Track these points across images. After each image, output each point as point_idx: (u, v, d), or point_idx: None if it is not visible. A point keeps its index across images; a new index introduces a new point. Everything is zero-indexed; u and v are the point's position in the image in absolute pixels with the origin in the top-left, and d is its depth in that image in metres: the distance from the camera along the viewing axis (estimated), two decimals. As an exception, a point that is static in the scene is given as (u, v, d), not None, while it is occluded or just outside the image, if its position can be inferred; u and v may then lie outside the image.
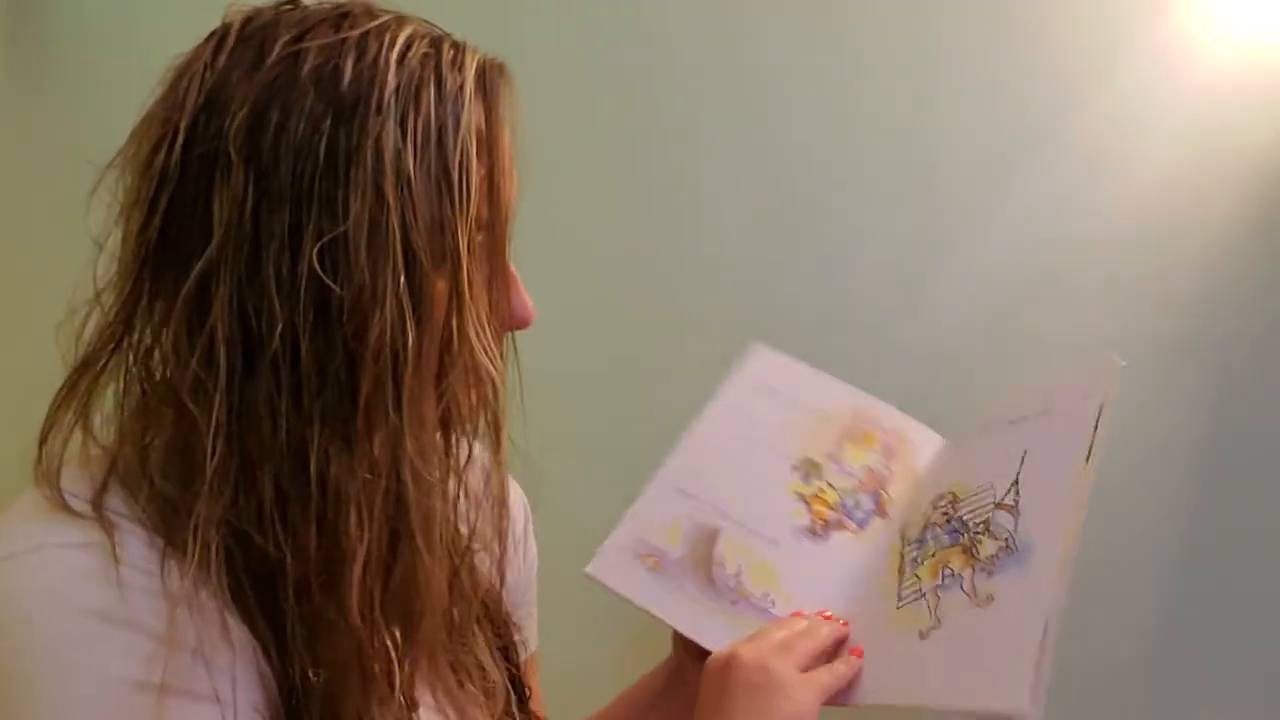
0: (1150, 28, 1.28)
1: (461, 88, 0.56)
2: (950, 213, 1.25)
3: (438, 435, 0.58)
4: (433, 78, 0.56)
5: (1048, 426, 0.72)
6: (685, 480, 0.82)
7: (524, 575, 0.81)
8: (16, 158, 1.20)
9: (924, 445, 0.84)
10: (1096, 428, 0.68)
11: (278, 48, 0.54)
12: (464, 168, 0.55)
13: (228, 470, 0.52)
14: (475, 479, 0.63)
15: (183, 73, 0.55)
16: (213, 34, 0.56)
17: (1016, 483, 0.70)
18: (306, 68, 0.53)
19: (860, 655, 0.70)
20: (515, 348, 0.64)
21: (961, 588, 0.69)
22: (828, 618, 0.74)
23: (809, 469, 0.82)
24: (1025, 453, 0.71)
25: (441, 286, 0.55)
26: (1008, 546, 0.67)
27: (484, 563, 0.69)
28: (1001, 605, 0.65)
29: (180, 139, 0.53)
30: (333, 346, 0.52)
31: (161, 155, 0.53)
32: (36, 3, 1.14)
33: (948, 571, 0.71)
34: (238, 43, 0.55)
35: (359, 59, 0.54)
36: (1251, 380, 1.27)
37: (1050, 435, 0.71)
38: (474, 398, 0.58)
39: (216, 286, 0.52)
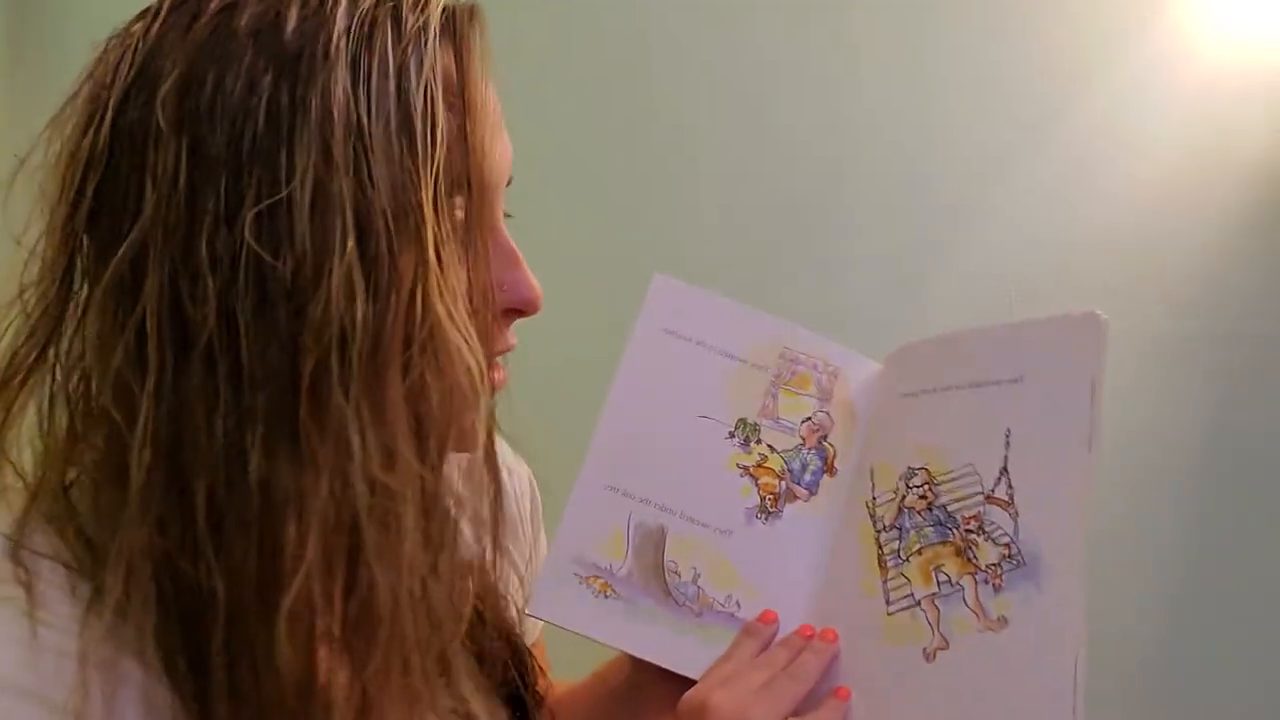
0: (1148, 28, 1.28)
1: (424, 27, 0.50)
2: (949, 213, 1.25)
3: (410, 435, 0.49)
4: (389, 18, 0.49)
5: (1026, 399, 0.63)
6: (615, 474, 0.72)
7: (535, 567, 0.76)
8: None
9: (855, 375, 0.74)
10: (1093, 404, 0.60)
11: (212, 5, 0.48)
12: (428, 117, 0.48)
13: (155, 486, 0.46)
14: (462, 484, 0.57)
15: (112, 48, 0.50)
16: (146, 9, 0.51)
17: (1006, 471, 0.63)
18: (243, 20, 0.47)
19: (847, 697, 0.65)
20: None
21: (964, 601, 0.62)
22: (809, 634, 0.67)
23: (747, 433, 0.73)
24: (1009, 432, 0.64)
25: (407, 258, 0.48)
26: (1011, 555, 0.61)
27: (499, 583, 0.63)
28: (1019, 630, 0.60)
29: (109, 116, 0.48)
30: (275, 329, 0.46)
31: (89, 137, 0.48)
32: (36, 3, 1.11)
33: (943, 577, 0.64)
34: (170, 9, 0.49)
35: (304, 3, 0.48)
36: (1251, 380, 1.29)
37: (1033, 411, 0.63)
38: (446, 388, 0.49)
39: (146, 272, 0.46)
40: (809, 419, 0.74)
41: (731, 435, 0.73)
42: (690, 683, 0.67)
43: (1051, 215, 1.22)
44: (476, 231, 0.52)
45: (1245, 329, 1.24)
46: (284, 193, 0.45)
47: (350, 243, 0.46)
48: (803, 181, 1.25)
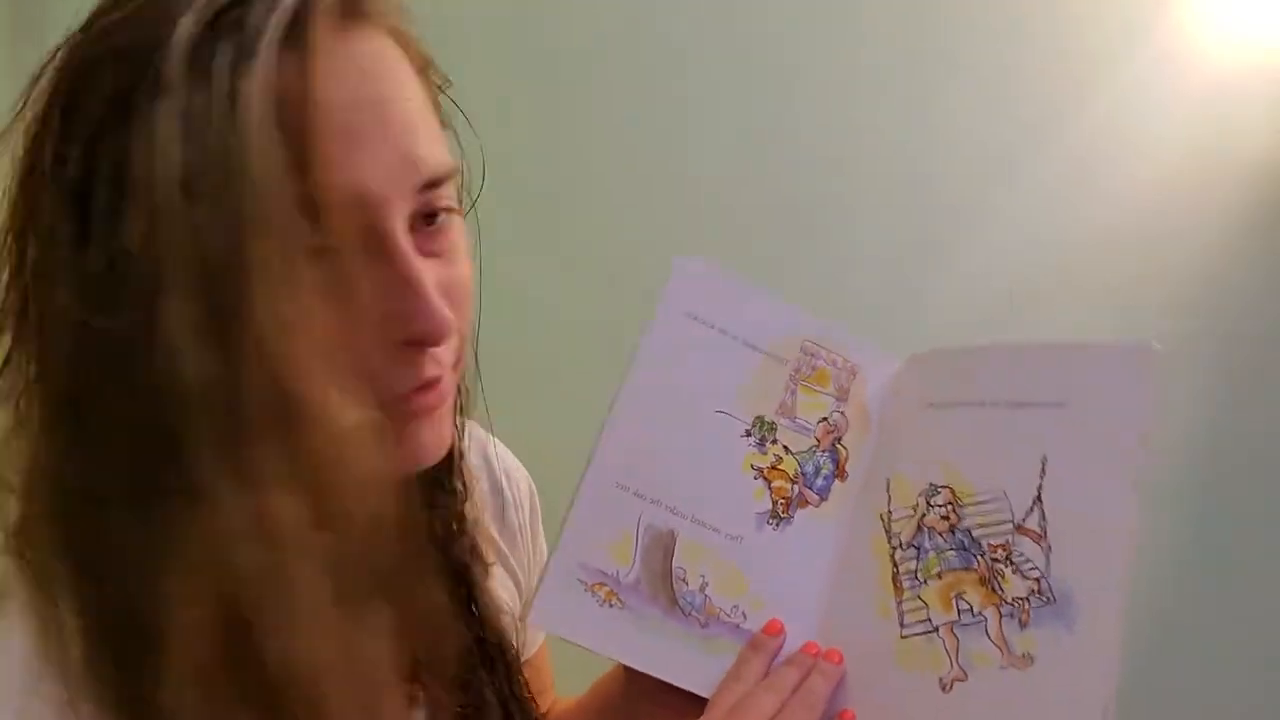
0: (1150, 29, 1.27)
1: (258, 36, 0.44)
2: (951, 213, 1.23)
3: (295, 494, 0.45)
4: (231, 27, 0.44)
5: (1068, 427, 0.60)
6: (627, 471, 0.67)
7: (533, 574, 0.73)
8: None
9: (873, 374, 0.71)
10: (1140, 448, 0.57)
11: (86, 27, 0.47)
12: (260, 149, 0.43)
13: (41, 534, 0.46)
14: None
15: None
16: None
17: (1039, 501, 0.60)
18: (107, 44, 0.45)
19: (852, 719, 0.62)
20: (476, 339, 0.57)
21: (987, 633, 0.59)
22: (814, 652, 0.64)
23: (763, 432, 0.69)
24: (1045, 460, 0.61)
25: (249, 308, 0.43)
26: (1040, 592, 0.58)
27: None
28: (1045, 671, 0.57)
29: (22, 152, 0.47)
30: (119, 392, 0.44)
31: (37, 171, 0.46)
32: (36, 2, 1.07)
33: (964, 605, 0.61)
34: (85, 26, 0.48)
35: (160, 15, 0.44)
36: (1252, 380, 1.29)
37: (1075, 442, 0.60)
38: (319, 445, 0.45)
39: (25, 327, 0.46)
40: (825, 419, 0.70)
41: (748, 434, 0.69)
42: (688, 695, 0.64)
43: (1053, 215, 1.22)
44: (348, 259, 0.47)
45: (1245, 329, 1.24)
46: (112, 250, 0.43)
47: (180, 299, 0.42)
48: (804, 182, 1.23)
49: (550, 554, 0.67)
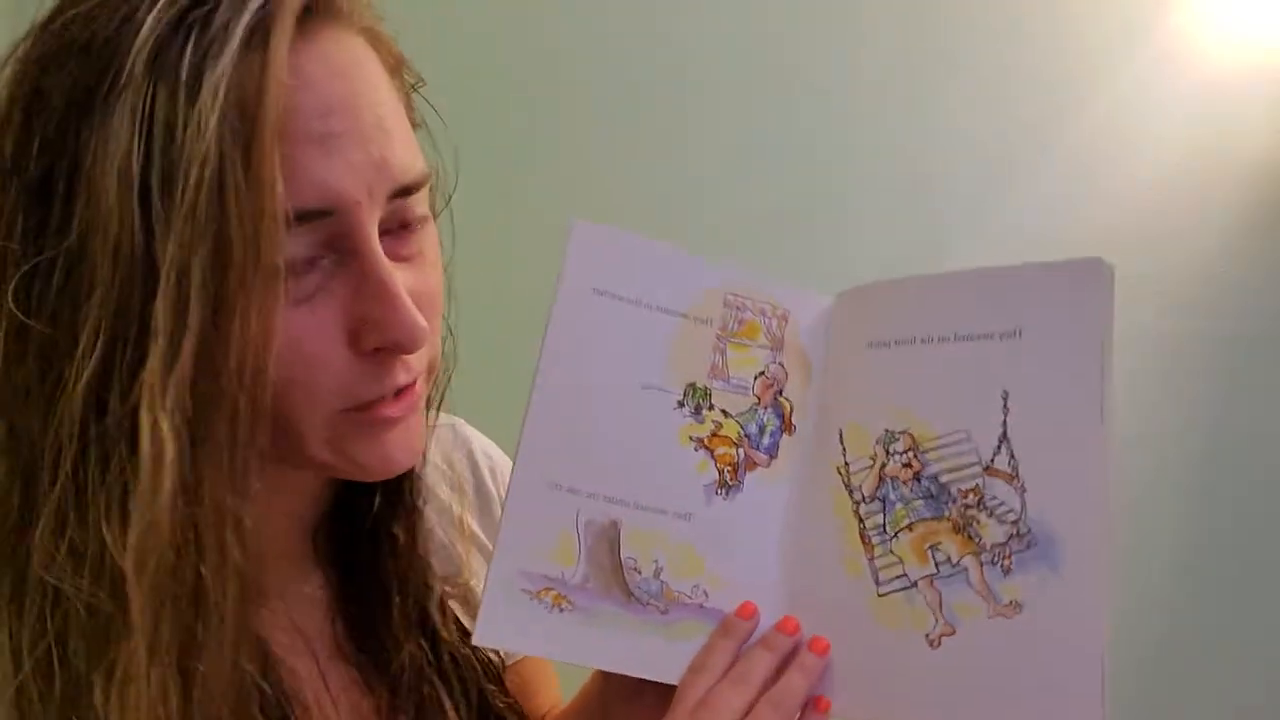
0: (1150, 30, 1.28)
1: (225, 33, 0.42)
2: (950, 213, 1.24)
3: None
4: (197, 25, 0.42)
5: (1026, 356, 0.57)
6: (555, 468, 0.62)
7: None
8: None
9: (804, 316, 0.66)
10: (1103, 366, 0.54)
11: (49, 21, 0.45)
12: (212, 155, 0.41)
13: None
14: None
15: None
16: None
17: (1006, 439, 0.57)
18: (65, 39, 0.44)
19: (827, 709, 0.60)
20: (452, 334, 0.58)
21: (969, 583, 0.57)
22: (793, 630, 0.61)
23: (697, 399, 0.64)
24: (1006, 394, 0.57)
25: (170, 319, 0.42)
26: (1020, 535, 0.55)
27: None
28: (1036, 617, 0.55)
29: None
30: (37, 410, 0.44)
31: None
32: (37, 2, 0.98)
33: (940, 556, 0.58)
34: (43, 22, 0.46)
35: (123, 11, 0.43)
36: (1252, 380, 1.31)
37: (1035, 371, 0.56)
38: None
39: None
40: (762, 373, 0.66)
41: (681, 404, 0.64)
42: (663, 690, 0.61)
43: (1053, 216, 1.23)
44: (316, 266, 0.47)
45: (1245, 329, 1.26)
46: (48, 254, 0.43)
47: (101, 304, 0.42)
48: (802, 183, 1.25)
49: (489, 568, 0.62)
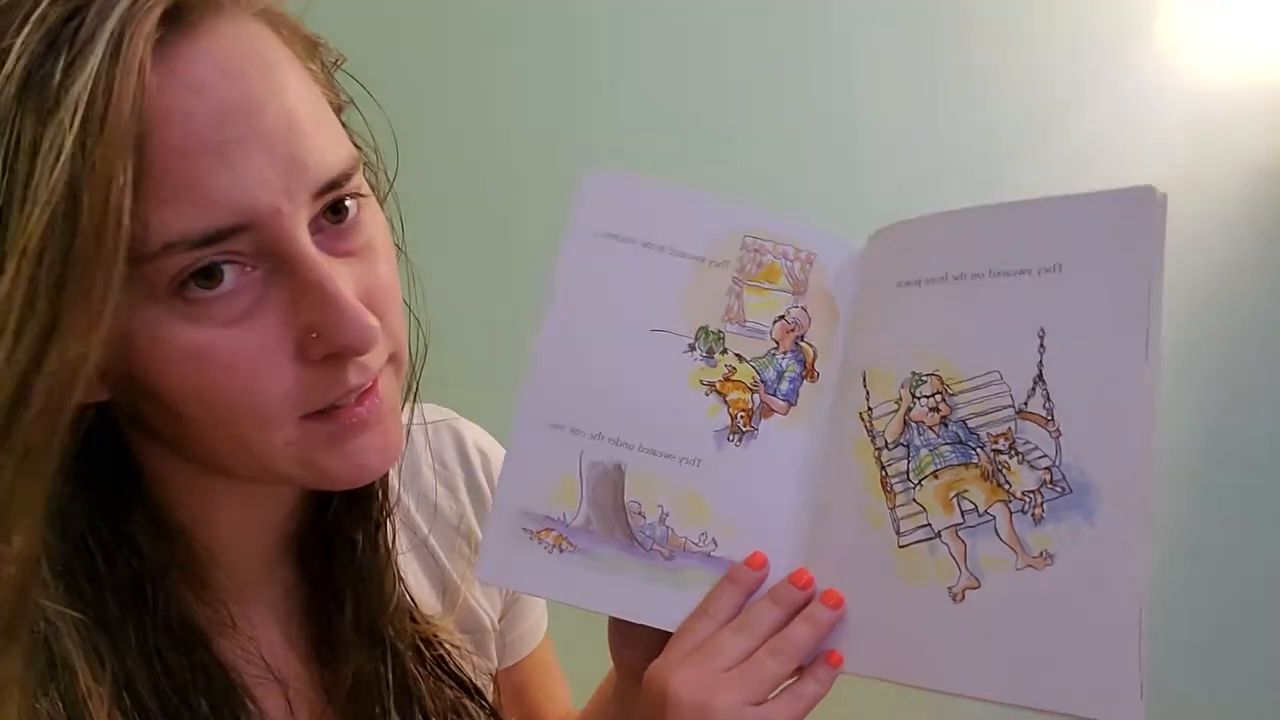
0: (1148, 32, 1.28)
1: (88, 45, 0.39)
2: None
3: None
4: (64, 45, 0.39)
5: (1066, 291, 0.53)
6: (558, 409, 0.60)
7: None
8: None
9: (832, 260, 0.63)
10: (1150, 302, 0.50)
11: None
12: (86, 182, 0.39)
13: None
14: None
15: None
16: None
17: (1041, 380, 0.53)
18: None
19: (839, 664, 0.56)
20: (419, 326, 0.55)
21: (997, 533, 0.53)
22: (805, 583, 0.58)
23: (709, 343, 0.61)
24: (1043, 331, 0.54)
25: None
26: (1053, 482, 0.52)
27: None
28: (1068, 569, 0.51)
29: None
30: None
31: None
32: None
33: (967, 505, 0.54)
34: None
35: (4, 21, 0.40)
36: (1252, 381, 1.30)
37: (1075, 307, 0.52)
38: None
39: None
40: (781, 317, 0.62)
41: (691, 348, 0.61)
42: None
43: None
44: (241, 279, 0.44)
45: (1245, 331, 1.26)
46: None
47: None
48: (801, 183, 1.24)
49: (491, 506, 0.60)
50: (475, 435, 0.70)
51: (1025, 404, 0.54)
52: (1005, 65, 1.27)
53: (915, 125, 1.26)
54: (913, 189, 1.25)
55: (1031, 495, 0.52)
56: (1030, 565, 0.52)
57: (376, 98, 0.52)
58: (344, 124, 0.51)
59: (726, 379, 0.61)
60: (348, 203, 0.47)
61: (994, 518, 0.54)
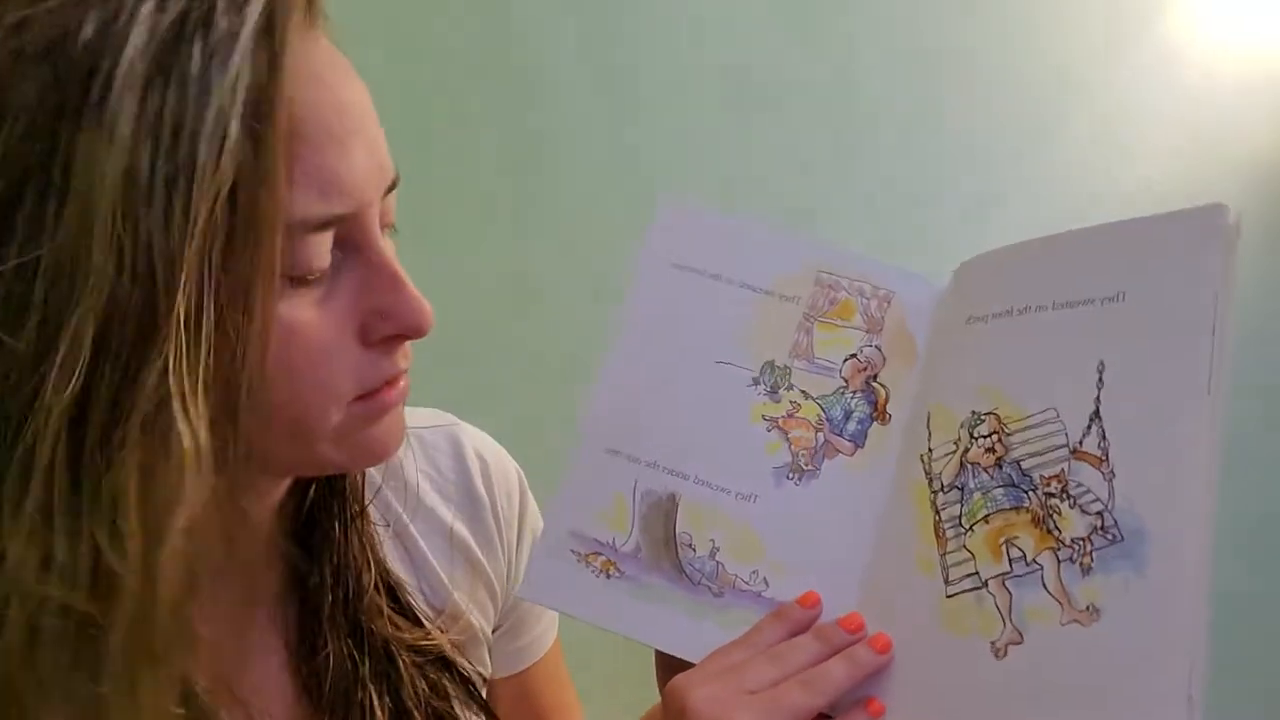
0: (1149, 29, 1.28)
1: (235, 33, 0.41)
2: (949, 213, 1.25)
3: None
4: (199, 24, 0.41)
5: (1127, 321, 0.49)
6: (616, 435, 0.60)
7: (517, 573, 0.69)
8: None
9: (914, 300, 0.60)
10: (1215, 331, 0.45)
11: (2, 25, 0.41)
12: (229, 157, 0.40)
13: None
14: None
15: None
16: None
17: (1098, 416, 0.49)
18: (30, 39, 0.40)
19: (880, 714, 0.52)
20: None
21: (1044, 584, 0.48)
22: (856, 627, 0.55)
23: (775, 378, 0.60)
24: (1102, 365, 0.49)
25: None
26: (1104, 528, 0.47)
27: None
28: (1115, 625, 0.46)
29: None
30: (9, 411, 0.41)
31: None
32: None
33: (1015, 553, 0.50)
34: None
35: (103, 9, 0.40)
36: (1252, 381, 1.27)
37: (1136, 338, 0.48)
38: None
39: None
40: (853, 356, 0.60)
41: (756, 382, 0.60)
42: None
43: (1054, 216, 1.23)
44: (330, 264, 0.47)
45: (1245, 330, 1.22)
46: (33, 254, 0.40)
47: (96, 314, 0.40)
48: (800, 184, 1.25)
49: (542, 527, 0.61)
50: (476, 441, 0.69)
51: (1080, 443, 0.49)
52: (1007, 62, 1.28)
53: (916, 122, 1.27)
54: (916, 185, 1.25)
55: (1081, 543, 0.47)
56: (1075, 620, 0.47)
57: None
58: None
59: (790, 415, 0.60)
60: (392, 212, 0.51)
61: (1041, 567, 0.49)
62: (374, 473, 0.62)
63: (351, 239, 0.47)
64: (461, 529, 0.66)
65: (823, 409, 0.60)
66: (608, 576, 0.59)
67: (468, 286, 1.16)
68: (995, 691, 0.49)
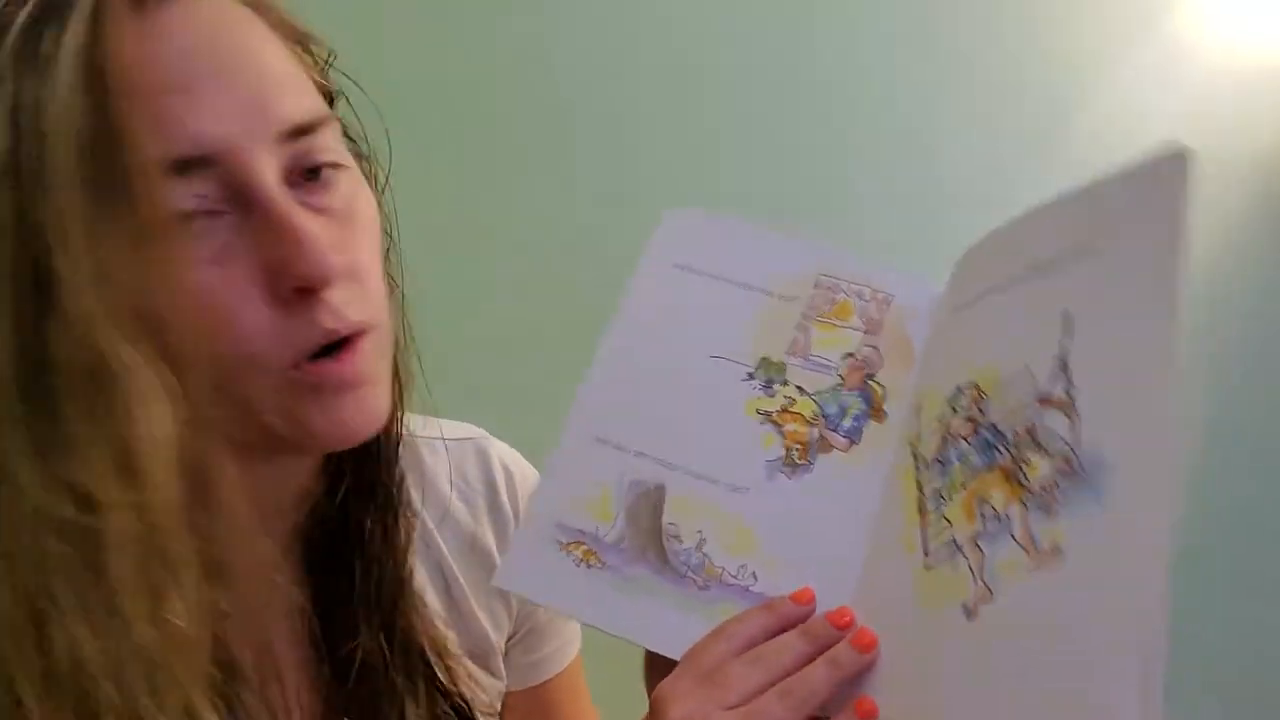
0: (1151, 28, 1.30)
1: (75, 9, 0.44)
2: (950, 214, 1.24)
3: (111, 464, 0.44)
4: (53, 14, 0.45)
5: (1094, 272, 0.48)
6: (605, 424, 0.60)
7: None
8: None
9: (915, 302, 0.60)
10: (1177, 261, 0.44)
11: None
12: (68, 120, 0.43)
13: None
14: None
15: None
16: None
17: (1065, 365, 0.47)
18: None
19: (872, 713, 0.49)
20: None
21: (1013, 535, 0.46)
22: (845, 623, 0.52)
23: (770, 374, 0.60)
24: (1069, 316, 0.48)
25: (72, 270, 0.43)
26: (1069, 466, 0.44)
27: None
28: (1077, 562, 0.43)
29: None
30: None
31: None
32: None
33: (988, 511, 0.48)
34: None
35: None
36: (1252, 381, 1.29)
37: (1102, 287, 0.47)
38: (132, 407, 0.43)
39: None
40: (850, 354, 0.60)
41: (750, 377, 0.61)
42: None
43: None
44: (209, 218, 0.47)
45: (1246, 329, 1.25)
46: None
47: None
48: (801, 183, 1.25)
49: (525, 508, 0.61)
50: (503, 454, 0.69)
51: (1048, 391, 0.47)
52: (1011, 59, 1.27)
53: (920, 121, 1.27)
54: (919, 184, 1.24)
55: (1048, 486, 0.45)
56: (1041, 565, 0.44)
57: (375, 99, 0.57)
58: (338, 119, 0.55)
59: (785, 410, 0.60)
60: (321, 158, 0.50)
61: (1010, 518, 0.46)
62: (410, 487, 0.62)
63: (235, 193, 0.47)
64: (485, 537, 0.66)
65: (818, 405, 0.60)
66: (588, 566, 0.58)
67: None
68: (969, 654, 0.46)
